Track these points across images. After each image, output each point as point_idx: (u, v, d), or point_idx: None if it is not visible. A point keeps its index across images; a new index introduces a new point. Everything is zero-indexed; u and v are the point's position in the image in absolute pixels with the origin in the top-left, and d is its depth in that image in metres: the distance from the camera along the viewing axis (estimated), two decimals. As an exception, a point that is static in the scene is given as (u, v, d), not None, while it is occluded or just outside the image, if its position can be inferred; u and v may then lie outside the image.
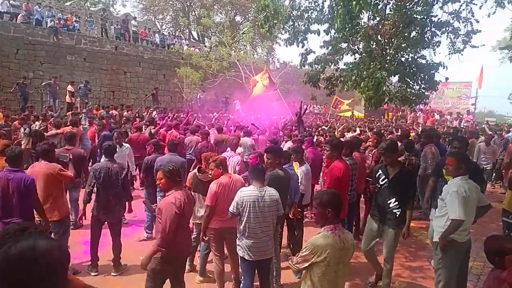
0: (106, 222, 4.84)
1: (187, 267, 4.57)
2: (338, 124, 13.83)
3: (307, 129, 11.41)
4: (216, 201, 4.09)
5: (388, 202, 4.28)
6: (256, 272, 3.89)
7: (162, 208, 3.47)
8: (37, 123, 9.99)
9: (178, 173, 3.69)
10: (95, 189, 4.76)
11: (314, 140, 8.19)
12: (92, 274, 4.73)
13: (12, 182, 3.93)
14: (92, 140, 9.04)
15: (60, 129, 8.55)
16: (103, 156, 5.15)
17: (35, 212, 4.18)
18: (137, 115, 13.20)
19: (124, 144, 7.27)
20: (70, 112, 12.83)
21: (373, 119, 21.16)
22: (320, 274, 2.67)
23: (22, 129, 9.26)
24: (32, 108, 12.62)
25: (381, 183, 4.41)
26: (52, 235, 4.54)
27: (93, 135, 9.10)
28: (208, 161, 4.89)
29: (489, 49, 35.70)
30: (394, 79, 7.59)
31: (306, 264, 2.69)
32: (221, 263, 4.31)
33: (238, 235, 3.81)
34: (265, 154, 4.75)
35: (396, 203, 4.24)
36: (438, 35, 7.02)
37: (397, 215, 4.24)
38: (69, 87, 15.31)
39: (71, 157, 5.15)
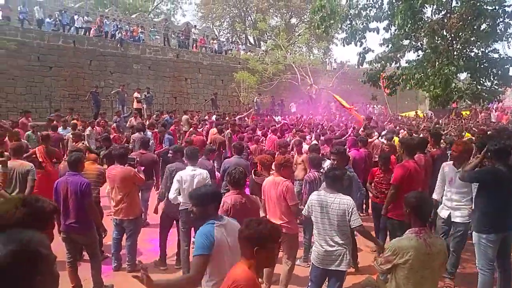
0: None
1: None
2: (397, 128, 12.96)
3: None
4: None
5: None
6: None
7: None
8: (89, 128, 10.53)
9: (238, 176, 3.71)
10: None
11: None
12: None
13: (70, 186, 4.06)
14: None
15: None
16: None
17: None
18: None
19: None
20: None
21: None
22: (403, 277, 2.65)
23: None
24: (104, 115, 13.51)
25: None
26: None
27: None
28: (264, 164, 4.95)
29: None
30: (463, 76, 7.09)
31: (389, 265, 2.69)
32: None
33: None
34: (332, 156, 4.71)
35: None
36: (512, 26, 6.45)
37: None
38: (136, 94, 16.37)
39: (138, 159, 5.50)
